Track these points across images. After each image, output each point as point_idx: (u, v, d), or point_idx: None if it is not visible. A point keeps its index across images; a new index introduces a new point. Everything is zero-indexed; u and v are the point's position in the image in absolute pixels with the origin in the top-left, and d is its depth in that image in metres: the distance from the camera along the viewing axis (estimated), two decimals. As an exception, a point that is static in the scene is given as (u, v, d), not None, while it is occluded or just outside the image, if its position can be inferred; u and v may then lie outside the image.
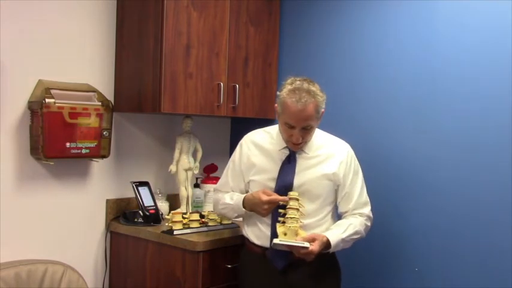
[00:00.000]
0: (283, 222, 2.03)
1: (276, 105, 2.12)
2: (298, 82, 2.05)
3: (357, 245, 2.20)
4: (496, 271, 2.20)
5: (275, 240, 1.98)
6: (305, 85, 2.03)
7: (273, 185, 2.13)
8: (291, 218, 2.01)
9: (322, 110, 2.08)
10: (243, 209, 2.17)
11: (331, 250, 2.06)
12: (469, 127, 2.29)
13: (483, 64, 2.26)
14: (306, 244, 1.95)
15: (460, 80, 2.32)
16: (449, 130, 2.35)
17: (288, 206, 2.04)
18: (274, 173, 2.15)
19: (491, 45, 2.24)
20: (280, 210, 2.06)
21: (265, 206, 2.06)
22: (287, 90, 2.04)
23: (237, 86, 2.74)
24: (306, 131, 2.06)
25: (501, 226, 2.19)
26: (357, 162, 2.22)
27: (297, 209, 2.04)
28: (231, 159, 2.32)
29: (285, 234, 2.00)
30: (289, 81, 2.08)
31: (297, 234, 2.00)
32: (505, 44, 2.19)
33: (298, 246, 1.96)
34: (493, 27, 2.24)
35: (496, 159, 2.21)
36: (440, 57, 2.38)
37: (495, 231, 2.21)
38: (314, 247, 1.96)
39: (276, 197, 2.06)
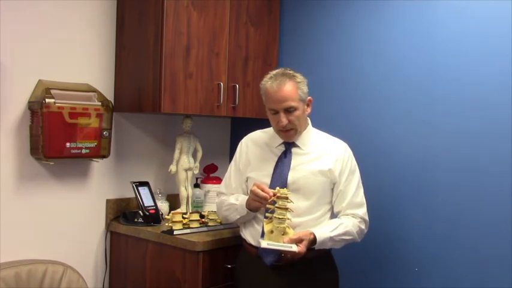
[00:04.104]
0: (270, 219, 2.02)
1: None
2: (277, 70, 2.15)
3: (356, 245, 2.20)
4: (496, 271, 2.20)
5: (262, 244, 1.96)
6: (282, 70, 2.13)
7: (268, 180, 2.13)
8: (278, 218, 1.99)
9: (309, 97, 2.14)
10: (246, 209, 2.14)
11: (316, 247, 2.03)
12: (468, 127, 2.29)
13: (483, 65, 2.25)
14: (294, 248, 1.93)
15: (460, 79, 2.31)
16: (448, 130, 2.34)
17: (276, 205, 2.01)
18: (270, 169, 2.15)
19: (491, 45, 2.23)
20: (268, 206, 2.03)
21: (253, 196, 2.05)
22: (267, 78, 2.14)
23: (237, 86, 2.74)
24: (290, 113, 2.08)
25: (501, 226, 2.19)
26: (354, 162, 2.21)
27: (286, 209, 2.00)
28: (232, 160, 2.33)
29: (272, 232, 1.99)
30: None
31: (284, 234, 1.99)
32: (505, 44, 2.19)
33: (284, 251, 1.95)
34: (493, 29, 2.23)
35: (496, 160, 2.21)
36: (441, 56, 2.37)
37: (495, 231, 2.21)
38: (301, 248, 1.95)
39: (262, 192, 2.01)
